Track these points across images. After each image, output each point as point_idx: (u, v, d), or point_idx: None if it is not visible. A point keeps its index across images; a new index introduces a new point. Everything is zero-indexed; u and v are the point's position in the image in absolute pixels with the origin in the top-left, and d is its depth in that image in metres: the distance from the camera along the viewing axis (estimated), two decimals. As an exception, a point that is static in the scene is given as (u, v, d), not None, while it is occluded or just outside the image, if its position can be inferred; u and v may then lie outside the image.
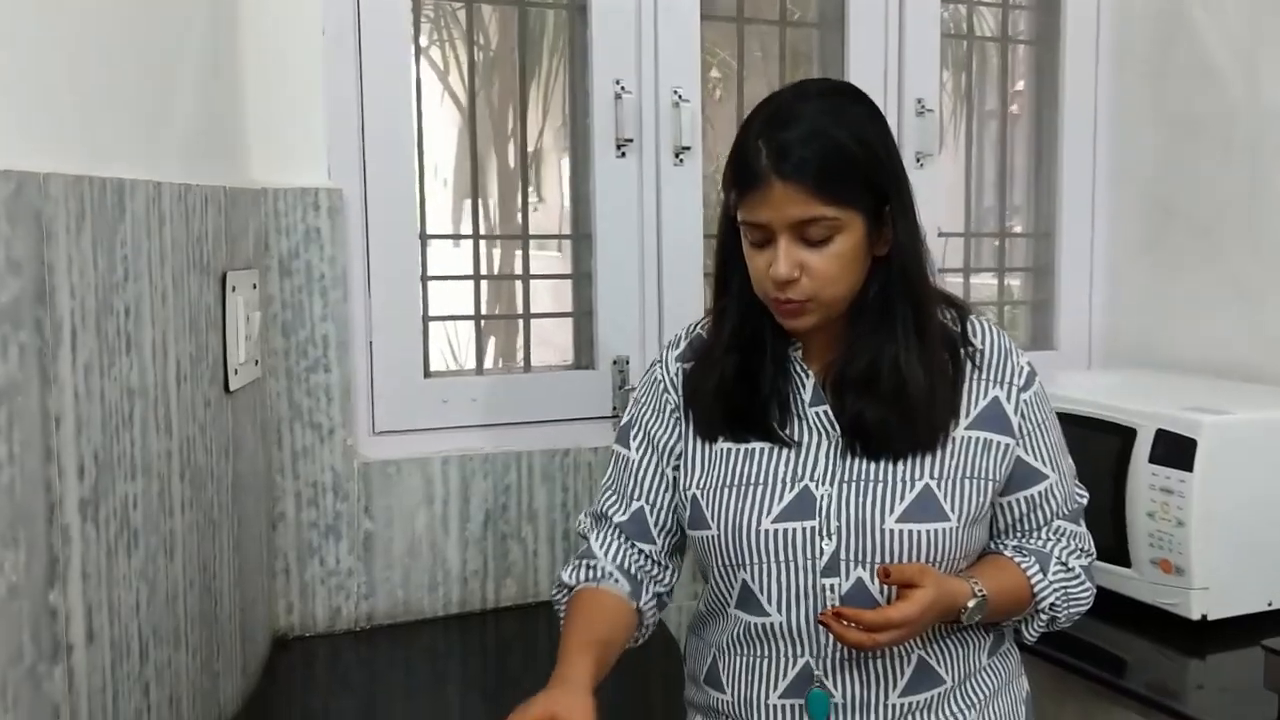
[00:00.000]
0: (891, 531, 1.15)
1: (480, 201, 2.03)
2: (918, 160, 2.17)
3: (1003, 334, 1.25)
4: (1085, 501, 1.30)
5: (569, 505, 1.94)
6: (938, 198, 2.26)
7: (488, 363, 2.08)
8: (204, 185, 1.35)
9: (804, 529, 1.17)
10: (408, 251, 1.86)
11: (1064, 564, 1.25)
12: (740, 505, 1.19)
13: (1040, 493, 1.24)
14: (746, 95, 2.13)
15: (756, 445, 1.21)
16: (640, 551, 1.27)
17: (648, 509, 1.27)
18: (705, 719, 1.30)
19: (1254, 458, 1.69)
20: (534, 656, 1.80)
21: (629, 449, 1.29)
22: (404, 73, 1.84)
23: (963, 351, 1.21)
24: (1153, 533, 1.69)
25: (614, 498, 1.29)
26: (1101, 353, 2.39)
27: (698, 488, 1.23)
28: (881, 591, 1.15)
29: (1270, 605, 1.69)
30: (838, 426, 1.19)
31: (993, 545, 1.26)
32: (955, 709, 1.22)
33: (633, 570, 1.26)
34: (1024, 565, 1.22)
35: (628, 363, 2.00)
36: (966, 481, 1.18)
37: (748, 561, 1.18)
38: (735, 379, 1.21)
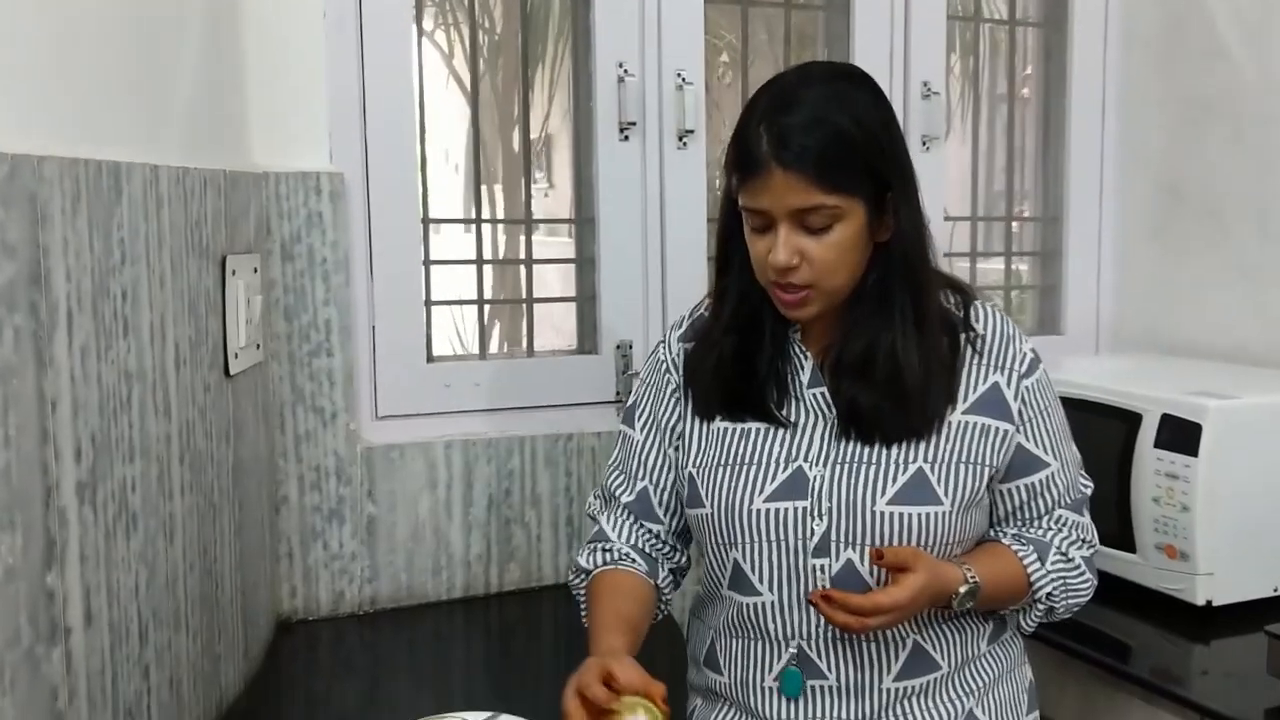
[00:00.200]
0: (882, 514, 1.15)
1: (486, 186, 2.02)
2: (924, 144, 2.16)
3: (1007, 320, 1.24)
4: (1090, 491, 1.29)
5: (572, 490, 1.94)
6: (944, 181, 2.25)
7: (493, 348, 2.07)
8: (203, 168, 1.34)
9: (795, 509, 1.17)
10: (410, 236, 1.86)
11: (1064, 554, 1.24)
12: (734, 484, 1.19)
13: (1041, 481, 1.23)
14: (751, 78, 2.12)
15: (753, 425, 1.21)
16: (649, 531, 1.29)
17: (652, 489, 1.28)
18: (704, 701, 1.30)
19: (1260, 442, 1.68)
20: (537, 640, 1.81)
21: (634, 429, 1.30)
22: (406, 56, 1.84)
23: (963, 336, 1.20)
24: (1157, 518, 1.68)
25: (621, 477, 1.31)
26: (1109, 337, 2.38)
27: (694, 466, 1.23)
28: (872, 573, 1.14)
29: (1275, 591, 1.68)
30: (834, 409, 1.19)
31: (992, 533, 1.26)
32: (953, 695, 1.21)
33: (646, 549, 1.28)
34: (1021, 554, 1.21)
35: (631, 347, 2.00)
36: (961, 466, 1.17)
37: (739, 540, 1.19)
38: (733, 359, 1.22)
